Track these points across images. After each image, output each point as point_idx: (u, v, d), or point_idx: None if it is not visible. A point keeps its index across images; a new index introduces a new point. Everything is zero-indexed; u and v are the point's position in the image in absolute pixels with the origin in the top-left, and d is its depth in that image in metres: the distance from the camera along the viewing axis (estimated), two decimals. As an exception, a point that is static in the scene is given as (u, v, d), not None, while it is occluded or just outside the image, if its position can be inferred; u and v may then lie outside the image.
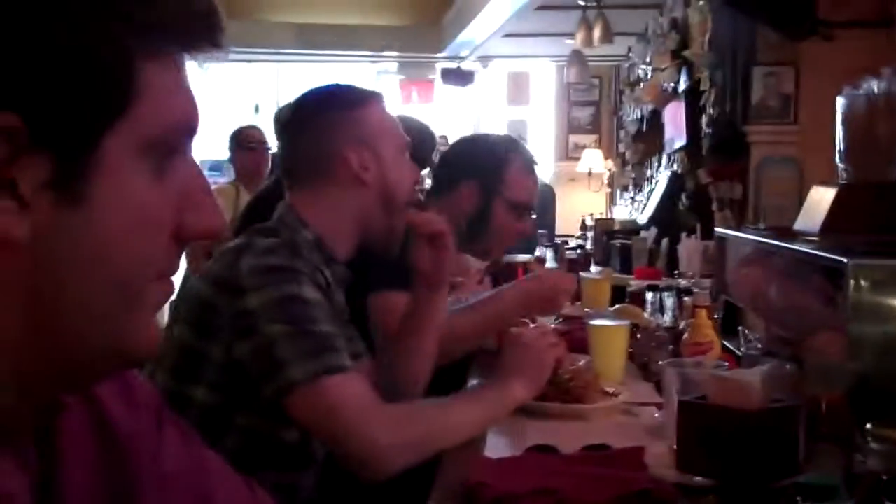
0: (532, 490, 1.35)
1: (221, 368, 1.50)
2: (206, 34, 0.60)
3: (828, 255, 1.08)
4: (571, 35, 6.52)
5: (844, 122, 1.43)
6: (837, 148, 1.45)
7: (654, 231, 5.23)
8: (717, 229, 2.14)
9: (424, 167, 3.28)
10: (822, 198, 1.39)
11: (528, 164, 2.40)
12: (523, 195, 2.37)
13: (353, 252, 1.73)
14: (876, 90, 1.40)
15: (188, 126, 0.61)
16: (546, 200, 5.81)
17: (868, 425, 0.90)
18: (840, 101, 1.45)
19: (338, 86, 1.83)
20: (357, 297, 1.87)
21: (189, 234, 0.62)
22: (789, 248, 1.27)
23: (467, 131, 9.91)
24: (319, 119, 1.73)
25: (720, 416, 1.37)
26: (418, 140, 3.15)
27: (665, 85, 5.67)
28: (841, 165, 1.44)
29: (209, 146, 7.29)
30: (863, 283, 0.98)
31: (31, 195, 0.54)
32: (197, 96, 0.63)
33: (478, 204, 2.29)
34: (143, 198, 0.58)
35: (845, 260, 1.00)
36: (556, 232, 6.18)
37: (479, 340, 2.20)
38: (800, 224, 1.46)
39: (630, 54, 7.29)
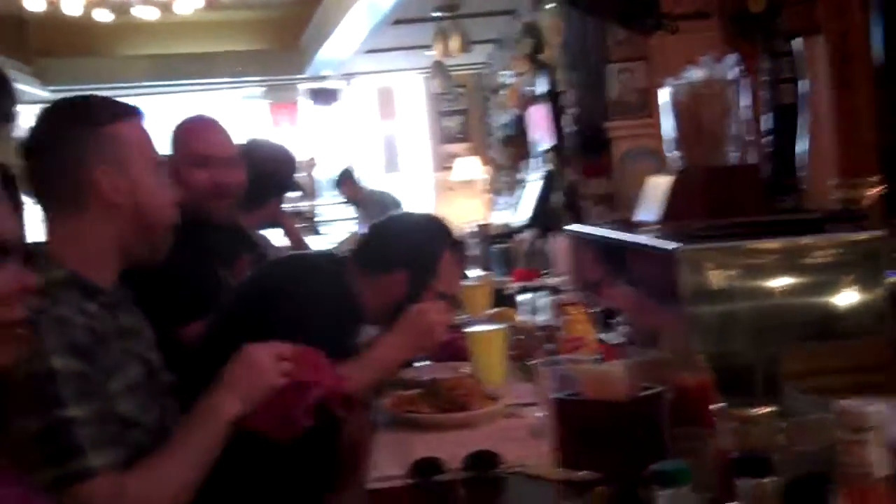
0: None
1: None
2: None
3: (660, 244, 1.12)
4: (430, 47, 6.58)
5: (673, 112, 1.49)
6: (668, 137, 1.51)
7: (531, 232, 5.33)
8: (566, 227, 2.19)
9: (286, 191, 3.24)
10: (657, 187, 1.43)
11: (460, 255, 2.39)
12: (452, 287, 2.36)
13: (117, 274, 1.62)
14: (697, 78, 1.46)
15: None
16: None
17: (719, 405, 0.93)
18: (665, 92, 1.50)
19: (87, 98, 1.67)
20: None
21: None
22: (628, 240, 1.30)
23: (339, 150, 9.89)
24: (66, 137, 1.59)
25: (591, 410, 1.40)
26: (279, 165, 3.12)
27: (525, 89, 5.79)
28: (675, 154, 1.49)
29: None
30: (695, 267, 1.02)
31: None
32: None
33: (407, 292, 2.26)
34: None
35: (676, 246, 1.04)
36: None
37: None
38: (641, 214, 1.51)
39: (490, 61, 7.41)
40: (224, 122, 2.66)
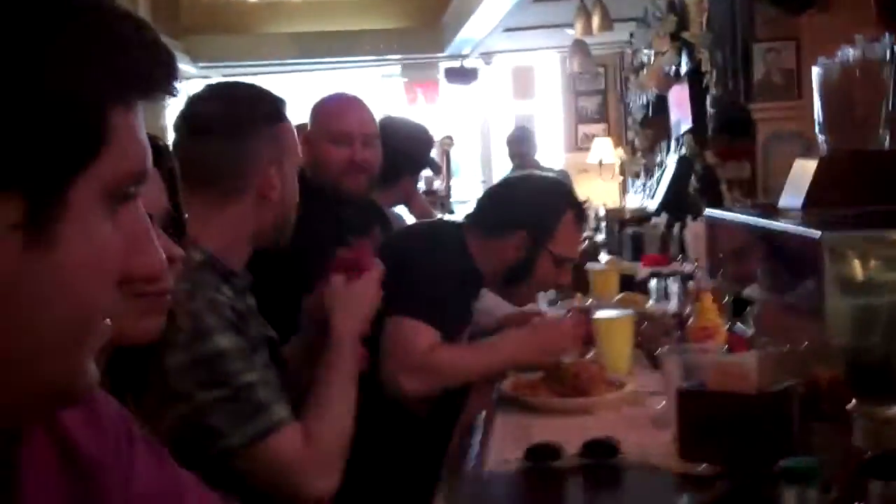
0: None
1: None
2: (165, 82, 0.63)
3: (802, 230, 1.05)
4: (571, 25, 6.47)
5: (821, 93, 1.40)
6: (816, 120, 1.42)
7: (665, 217, 5.19)
8: (707, 211, 2.10)
9: (420, 170, 3.25)
10: (804, 171, 1.36)
11: (580, 219, 2.36)
12: (570, 251, 2.33)
13: (246, 260, 1.68)
14: (850, 59, 1.37)
15: (144, 172, 0.62)
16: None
17: (853, 402, 0.88)
18: (815, 72, 1.42)
19: (257, 92, 1.71)
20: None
21: (133, 277, 0.63)
22: (769, 226, 1.24)
23: (475, 130, 9.90)
24: (246, 129, 1.63)
25: (717, 402, 1.35)
26: (414, 143, 3.13)
27: (667, 69, 5.62)
28: (821, 137, 1.41)
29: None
30: (839, 256, 0.95)
31: (0, 235, 0.55)
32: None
33: (523, 256, 2.25)
34: (103, 241, 0.59)
35: (819, 233, 0.97)
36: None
37: (491, 379, 2.18)
38: (784, 200, 1.43)
39: (632, 40, 7.24)
40: (363, 100, 2.70)
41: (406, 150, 2.99)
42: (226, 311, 1.53)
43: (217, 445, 1.46)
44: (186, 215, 1.46)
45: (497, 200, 2.35)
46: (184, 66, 8.30)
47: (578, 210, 2.33)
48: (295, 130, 1.71)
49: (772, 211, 1.41)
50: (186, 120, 1.66)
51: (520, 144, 7.04)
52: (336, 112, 2.56)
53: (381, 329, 2.00)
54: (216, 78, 8.80)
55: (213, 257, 1.59)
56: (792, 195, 1.36)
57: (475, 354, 2.16)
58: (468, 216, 2.38)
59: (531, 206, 2.26)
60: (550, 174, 2.59)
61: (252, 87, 1.74)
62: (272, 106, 1.68)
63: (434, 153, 4.10)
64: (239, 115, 1.64)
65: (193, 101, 1.68)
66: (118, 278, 0.62)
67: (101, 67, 0.58)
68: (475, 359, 2.14)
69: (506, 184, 2.46)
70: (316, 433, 1.56)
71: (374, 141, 2.61)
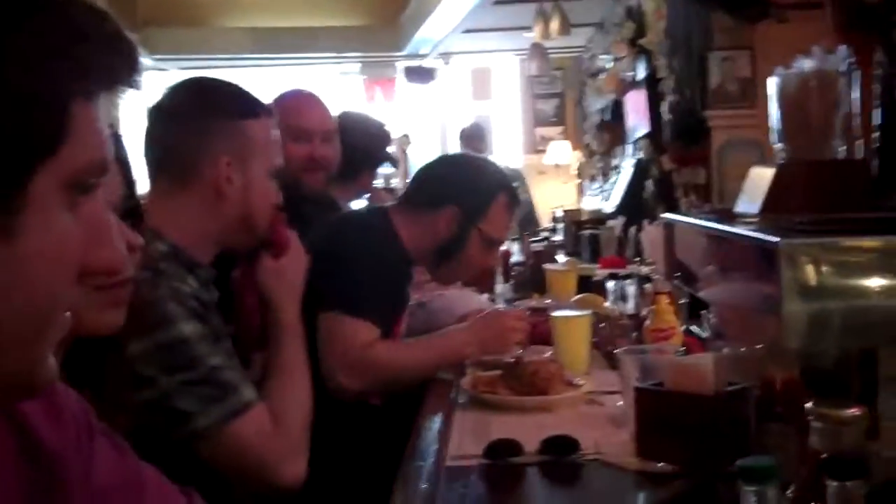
0: None
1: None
2: (127, 75, 0.63)
3: (761, 237, 1.08)
4: (530, 28, 6.53)
5: (778, 102, 1.44)
6: (773, 128, 1.46)
7: (621, 220, 5.26)
8: (663, 215, 2.15)
9: (378, 165, 3.26)
10: (760, 178, 1.40)
11: (513, 202, 2.39)
12: (500, 232, 2.36)
13: (213, 256, 1.68)
14: (806, 69, 1.41)
15: (104, 164, 0.63)
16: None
17: (809, 404, 0.91)
18: (772, 81, 1.46)
19: (230, 87, 1.72)
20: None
21: (93, 270, 0.63)
22: (727, 231, 1.27)
23: (432, 129, 9.92)
24: (206, 120, 1.64)
25: (674, 402, 1.38)
26: (372, 139, 3.14)
27: (624, 74, 5.70)
28: (778, 145, 1.45)
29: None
30: (795, 262, 0.99)
31: None
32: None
33: (454, 232, 2.26)
34: (63, 233, 0.60)
35: (777, 240, 1.01)
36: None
37: (429, 376, 2.20)
38: (741, 206, 1.47)
39: (589, 45, 7.32)
40: (322, 97, 2.70)
41: (364, 146, 3.00)
42: (189, 300, 1.53)
43: (184, 429, 1.45)
44: (146, 203, 1.47)
45: (430, 176, 2.37)
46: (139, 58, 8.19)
47: (511, 193, 2.37)
48: (269, 132, 1.69)
49: (729, 216, 1.44)
50: (156, 108, 1.67)
51: (473, 140, 6.95)
52: (295, 109, 2.56)
53: (312, 324, 2.01)
54: (172, 70, 8.74)
55: (178, 248, 1.59)
56: (748, 202, 1.40)
57: (414, 350, 2.17)
58: (399, 198, 2.40)
59: (465, 182, 2.29)
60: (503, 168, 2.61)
61: (228, 84, 1.74)
62: (237, 102, 1.68)
63: (392, 149, 4.11)
64: (199, 105, 1.66)
65: (167, 91, 1.69)
66: (78, 271, 0.62)
67: (63, 60, 0.58)
68: (413, 354, 2.15)
69: (440, 161, 2.48)
70: (281, 415, 1.55)
71: (332, 137, 2.62)
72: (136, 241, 1.16)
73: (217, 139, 1.63)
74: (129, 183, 1.21)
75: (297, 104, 2.60)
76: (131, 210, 1.20)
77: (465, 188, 2.27)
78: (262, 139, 1.68)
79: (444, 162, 2.43)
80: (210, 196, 1.62)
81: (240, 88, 1.73)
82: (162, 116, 1.66)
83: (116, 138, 1.17)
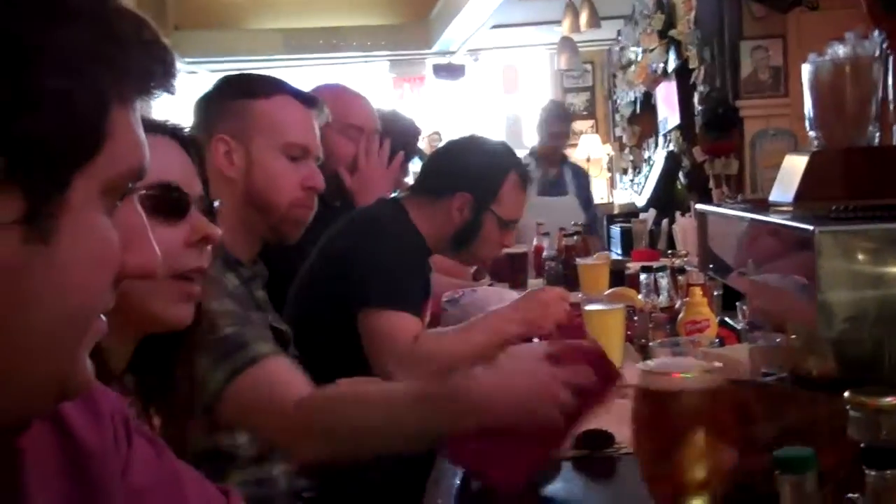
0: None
1: None
2: (164, 80, 0.64)
3: (796, 225, 1.07)
4: (559, 22, 6.50)
5: (812, 89, 1.42)
6: (807, 116, 1.44)
7: (653, 212, 5.23)
8: (697, 205, 2.12)
9: (410, 160, 3.27)
10: (794, 167, 1.38)
11: (524, 181, 2.38)
12: (514, 213, 2.36)
13: (255, 252, 1.67)
14: (841, 55, 1.39)
15: (141, 168, 0.63)
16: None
17: (846, 393, 0.89)
18: (806, 68, 1.44)
19: (246, 75, 1.76)
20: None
21: (128, 273, 0.63)
22: (762, 220, 1.25)
23: (462, 126, 9.90)
24: (206, 102, 1.67)
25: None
26: (403, 134, 3.14)
27: (654, 66, 5.66)
28: (812, 133, 1.43)
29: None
30: (831, 250, 0.97)
31: (0, 230, 0.55)
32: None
33: (468, 217, 2.26)
34: (101, 237, 0.60)
35: (812, 228, 0.99)
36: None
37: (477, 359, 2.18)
38: (775, 195, 1.45)
39: (619, 37, 7.27)
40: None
41: (396, 141, 3.01)
42: (227, 288, 1.52)
43: (204, 392, 1.40)
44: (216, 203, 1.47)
45: (441, 163, 2.36)
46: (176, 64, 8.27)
47: (522, 172, 2.36)
48: (278, 111, 1.67)
49: (763, 206, 1.42)
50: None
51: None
52: (344, 103, 2.57)
53: (350, 326, 2.01)
54: (203, 73, 8.80)
55: (219, 245, 1.59)
56: (782, 191, 1.39)
57: (458, 336, 2.14)
58: (411, 187, 2.39)
59: (475, 167, 2.28)
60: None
61: (251, 73, 1.78)
62: (241, 82, 1.69)
63: (421, 145, 4.11)
64: (207, 92, 1.69)
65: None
66: (114, 274, 0.62)
67: (102, 66, 0.58)
68: (459, 339, 2.12)
69: (449, 147, 2.46)
70: (320, 405, 1.42)
71: (376, 137, 2.64)
72: (214, 232, 1.17)
73: (214, 119, 1.64)
74: (205, 181, 1.22)
75: (347, 99, 2.61)
76: (209, 207, 1.21)
77: (475, 172, 2.27)
78: (266, 117, 1.65)
79: (452, 148, 2.41)
80: (218, 181, 1.57)
81: (252, 74, 1.76)
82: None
83: (190, 140, 1.20)
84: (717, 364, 1.01)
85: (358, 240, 2.16)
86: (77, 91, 0.56)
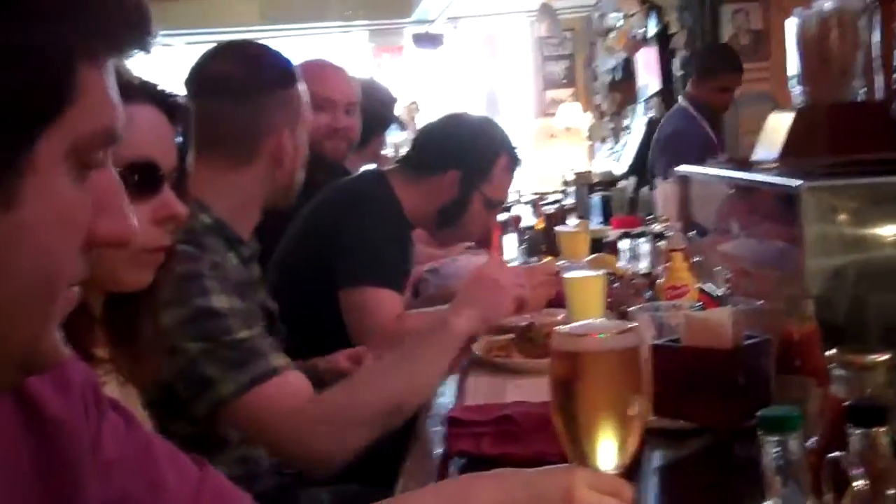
0: (493, 418, 1.40)
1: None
2: (138, 39, 0.61)
3: (781, 182, 1.04)
4: (538, -12, 6.44)
5: (798, 45, 1.39)
6: (793, 74, 1.41)
7: (633, 180, 5.20)
8: (679, 168, 2.10)
9: (386, 128, 3.25)
10: (779, 124, 1.34)
11: (514, 163, 2.36)
12: (501, 194, 2.36)
13: (254, 227, 1.66)
14: (826, 8, 1.36)
15: (112, 132, 0.60)
16: None
17: (831, 351, 0.87)
18: (792, 22, 1.40)
19: (273, 53, 1.68)
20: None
21: (98, 240, 0.61)
22: (745, 179, 1.22)
23: (442, 95, 9.84)
24: (264, 94, 1.60)
25: (691, 358, 1.34)
26: (379, 103, 3.11)
27: (635, 31, 5.61)
28: (798, 89, 1.40)
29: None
30: (817, 206, 0.94)
31: None
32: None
33: (456, 195, 2.24)
34: (67, 201, 0.57)
35: (799, 183, 0.96)
36: (535, 188, 6.15)
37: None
38: (759, 153, 1.42)
39: (599, 3, 7.22)
40: (345, 68, 2.69)
41: (373, 110, 2.98)
42: (229, 275, 1.50)
43: (209, 396, 1.42)
44: (191, 176, 1.43)
45: (432, 139, 2.34)
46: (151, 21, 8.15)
47: (512, 154, 2.34)
48: (306, 94, 1.67)
49: (746, 164, 1.39)
50: (197, 79, 1.62)
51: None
52: (320, 77, 2.55)
53: (331, 304, 1.97)
54: (178, 45, 8.67)
55: (221, 222, 1.56)
56: (766, 149, 1.35)
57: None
58: (399, 160, 2.37)
59: (467, 145, 2.26)
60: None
61: (264, 47, 1.70)
62: (285, 68, 1.65)
63: (399, 114, 4.08)
64: (254, 77, 1.61)
65: (206, 60, 1.64)
66: (83, 241, 0.59)
67: (70, 21, 0.55)
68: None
69: (442, 123, 2.42)
70: (350, 391, 1.47)
71: (355, 108, 2.62)
72: (181, 210, 1.15)
73: (277, 112, 1.60)
74: (182, 154, 1.19)
75: (321, 73, 2.60)
76: (179, 180, 1.18)
77: (467, 151, 2.25)
78: (304, 103, 1.66)
79: (445, 124, 2.38)
80: (269, 167, 1.60)
81: (277, 52, 1.69)
82: (212, 92, 1.59)
83: (180, 107, 1.16)
84: (632, 325, 1.01)
85: (340, 214, 2.13)
86: (40, 46, 0.54)
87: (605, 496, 0.87)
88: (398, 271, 2.11)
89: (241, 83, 1.60)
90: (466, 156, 2.24)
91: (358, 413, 1.45)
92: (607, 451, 0.96)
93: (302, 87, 1.66)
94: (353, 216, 2.12)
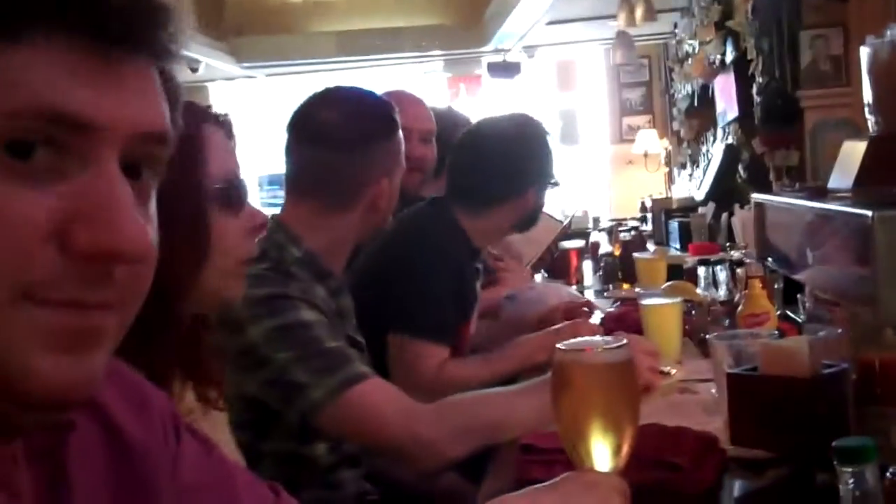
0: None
1: (237, 406, 1.43)
2: (81, 18, 0.53)
3: (853, 210, 1.04)
4: (614, 16, 6.44)
5: (870, 73, 1.38)
6: (865, 101, 1.41)
7: (712, 206, 5.14)
8: (755, 196, 2.09)
9: None
10: (852, 153, 1.34)
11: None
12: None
13: (346, 262, 1.71)
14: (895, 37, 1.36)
15: (54, 113, 0.52)
16: None
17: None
18: (864, 52, 1.40)
19: (377, 102, 1.72)
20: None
21: (78, 250, 0.53)
22: (820, 207, 1.23)
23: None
24: (369, 145, 1.64)
25: (769, 386, 1.34)
26: (451, 132, 3.14)
27: (712, 58, 5.57)
28: (871, 118, 1.39)
29: (267, 161, 7.43)
30: (891, 235, 0.95)
31: None
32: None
33: (533, 205, 2.27)
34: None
35: (870, 213, 0.97)
36: (613, 215, 6.12)
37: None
38: (833, 182, 1.41)
39: (676, 30, 7.18)
40: (423, 98, 2.73)
41: (452, 139, 3.00)
42: (316, 301, 1.55)
43: (301, 401, 1.46)
44: (287, 211, 1.50)
45: (494, 169, 2.21)
46: (228, 67, 8.40)
47: (548, 137, 2.35)
48: (403, 140, 1.71)
49: (821, 193, 1.39)
50: (303, 126, 1.66)
51: None
52: (397, 107, 2.58)
53: (380, 341, 2.00)
54: (260, 77, 8.91)
55: (311, 254, 1.60)
56: (841, 177, 1.35)
57: (485, 366, 2.12)
58: (456, 191, 2.25)
59: (534, 160, 2.27)
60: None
61: (369, 94, 1.73)
62: (390, 118, 1.68)
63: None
64: (360, 128, 1.64)
65: (311, 107, 1.67)
66: (56, 248, 0.52)
67: None
68: (485, 369, 2.10)
69: (490, 148, 2.26)
70: (445, 407, 1.52)
71: (430, 138, 2.63)
72: (266, 220, 1.20)
73: (379, 162, 1.65)
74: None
75: (397, 101, 2.63)
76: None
77: (537, 166, 2.28)
78: (401, 150, 1.70)
79: (507, 150, 2.28)
80: (366, 212, 1.65)
81: (382, 102, 1.73)
82: (317, 141, 1.64)
83: (229, 124, 1.21)
84: (624, 340, 1.05)
85: (402, 254, 2.13)
86: None
87: None
88: (451, 323, 2.12)
89: (347, 135, 1.63)
90: (540, 166, 2.28)
91: (459, 422, 1.51)
92: (602, 452, 1.02)
93: (401, 133, 1.70)
94: (415, 256, 2.12)
